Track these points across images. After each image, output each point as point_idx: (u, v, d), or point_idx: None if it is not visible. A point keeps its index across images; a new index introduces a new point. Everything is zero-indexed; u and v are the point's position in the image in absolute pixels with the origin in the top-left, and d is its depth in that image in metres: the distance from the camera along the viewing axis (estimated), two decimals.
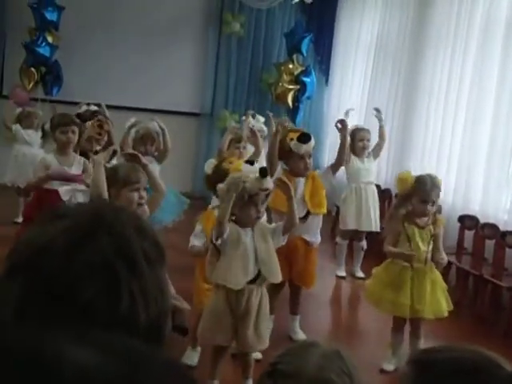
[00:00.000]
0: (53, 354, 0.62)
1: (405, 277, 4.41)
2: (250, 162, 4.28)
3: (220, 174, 4.23)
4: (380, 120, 6.87)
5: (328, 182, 5.11)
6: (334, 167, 5.16)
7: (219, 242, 3.67)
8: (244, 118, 6.95)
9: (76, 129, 5.15)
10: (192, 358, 4.32)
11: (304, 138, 4.84)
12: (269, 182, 3.66)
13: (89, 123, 6.21)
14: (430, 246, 4.43)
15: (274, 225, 3.97)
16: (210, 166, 4.42)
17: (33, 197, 5.44)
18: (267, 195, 3.73)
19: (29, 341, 0.64)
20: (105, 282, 0.92)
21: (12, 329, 0.73)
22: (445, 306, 4.47)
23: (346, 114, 6.79)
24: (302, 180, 4.93)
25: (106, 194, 3.64)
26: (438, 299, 4.46)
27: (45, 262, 0.92)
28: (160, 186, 4.02)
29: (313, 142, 4.94)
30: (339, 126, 5.15)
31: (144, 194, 3.83)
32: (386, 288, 4.49)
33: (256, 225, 3.79)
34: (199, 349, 4.37)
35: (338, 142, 5.26)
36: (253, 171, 4.17)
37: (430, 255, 4.44)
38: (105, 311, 0.91)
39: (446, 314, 4.49)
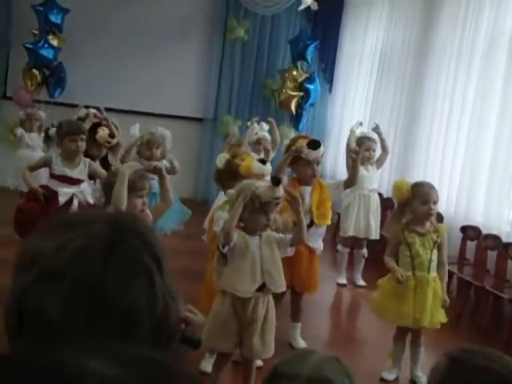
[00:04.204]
0: (74, 367, 0.62)
1: (408, 286, 4.40)
2: (262, 161, 4.28)
3: (231, 169, 4.23)
4: (380, 134, 6.86)
5: (337, 195, 5.13)
6: (347, 184, 5.16)
7: (226, 249, 3.63)
8: (249, 124, 6.93)
9: (84, 137, 5.20)
10: (209, 365, 4.13)
11: (314, 144, 4.85)
12: (281, 191, 3.62)
13: (99, 130, 6.22)
14: (434, 255, 4.42)
15: (281, 235, 3.87)
16: (222, 160, 4.41)
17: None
18: (277, 204, 3.69)
19: (49, 354, 0.64)
20: (144, 282, 0.94)
21: (32, 343, 0.74)
22: (440, 317, 4.46)
23: (359, 125, 6.79)
24: (308, 189, 4.91)
25: (125, 207, 3.62)
26: (436, 309, 4.44)
27: (84, 265, 0.93)
28: (170, 198, 4.06)
29: (322, 149, 4.96)
30: (354, 156, 5.16)
31: (147, 200, 3.88)
32: (389, 298, 4.48)
33: (263, 232, 3.74)
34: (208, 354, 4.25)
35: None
36: (263, 170, 4.19)
37: (434, 264, 4.43)
38: (147, 312, 0.92)
39: (438, 326, 4.48)
